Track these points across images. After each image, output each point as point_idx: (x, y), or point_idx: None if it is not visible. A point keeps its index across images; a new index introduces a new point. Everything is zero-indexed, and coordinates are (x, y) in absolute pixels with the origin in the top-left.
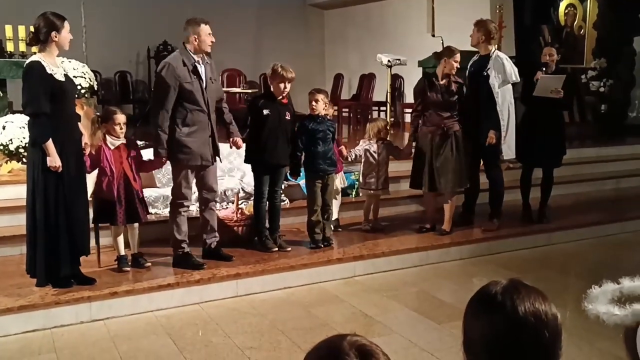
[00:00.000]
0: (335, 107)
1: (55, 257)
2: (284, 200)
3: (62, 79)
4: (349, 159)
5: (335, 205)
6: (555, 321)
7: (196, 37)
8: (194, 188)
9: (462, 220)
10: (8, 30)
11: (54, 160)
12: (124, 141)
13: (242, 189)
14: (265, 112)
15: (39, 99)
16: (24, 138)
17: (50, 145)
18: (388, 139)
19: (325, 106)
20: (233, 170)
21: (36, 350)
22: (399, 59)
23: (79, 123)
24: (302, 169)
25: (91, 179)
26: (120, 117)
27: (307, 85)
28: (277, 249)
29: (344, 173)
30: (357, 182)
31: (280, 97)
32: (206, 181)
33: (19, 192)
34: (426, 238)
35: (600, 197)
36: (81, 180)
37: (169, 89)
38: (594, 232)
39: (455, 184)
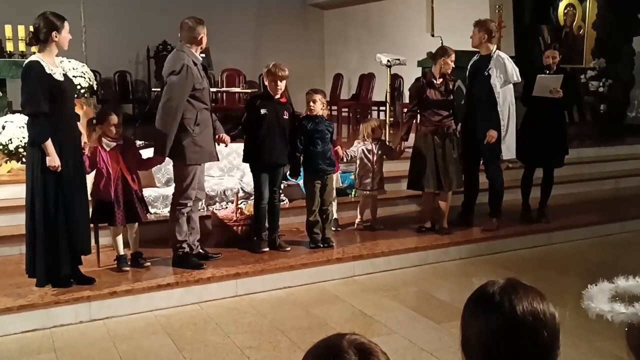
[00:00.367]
0: (335, 107)
1: (54, 256)
2: (283, 200)
3: (61, 78)
4: (345, 160)
5: (333, 205)
6: (553, 321)
7: (203, 36)
8: None
9: (461, 220)
10: (8, 30)
11: (53, 160)
12: (121, 142)
13: (242, 189)
14: (263, 111)
15: (37, 98)
16: (23, 138)
17: (49, 145)
18: (383, 138)
19: (323, 106)
20: (232, 170)
21: (35, 350)
22: (398, 59)
23: (78, 123)
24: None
25: (90, 179)
26: (115, 119)
27: (307, 85)
28: (267, 249)
29: (344, 173)
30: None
31: (278, 96)
32: (200, 179)
33: (18, 192)
34: (425, 238)
35: (599, 197)
36: (80, 179)
37: (186, 91)
38: (593, 232)
39: (458, 182)
